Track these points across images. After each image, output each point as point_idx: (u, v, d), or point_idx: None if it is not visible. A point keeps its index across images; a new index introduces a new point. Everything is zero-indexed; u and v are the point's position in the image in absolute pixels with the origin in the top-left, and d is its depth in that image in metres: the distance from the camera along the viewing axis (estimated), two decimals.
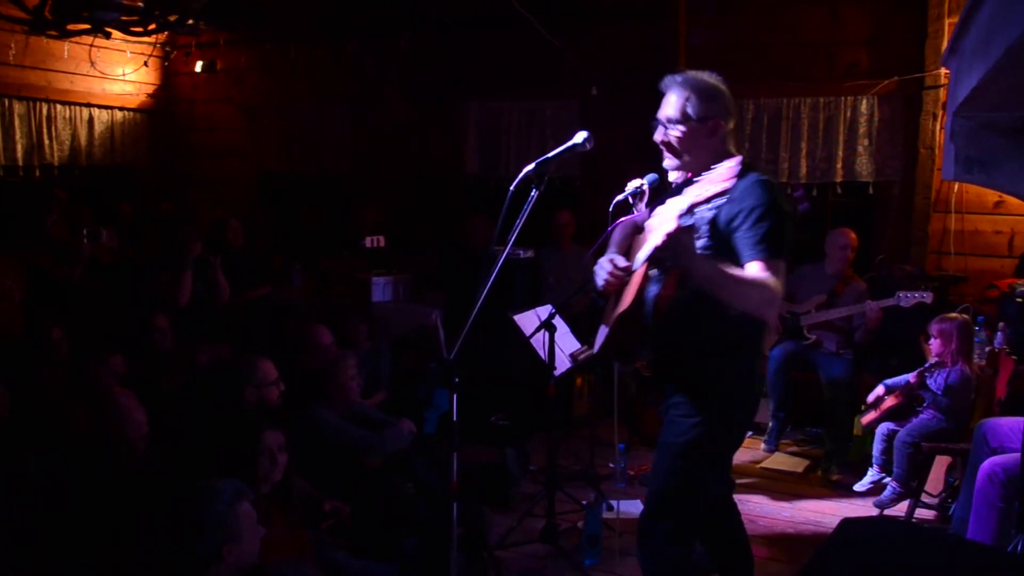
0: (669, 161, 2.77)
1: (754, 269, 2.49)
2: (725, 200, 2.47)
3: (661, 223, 2.42)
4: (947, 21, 5.66)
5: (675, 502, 2.78)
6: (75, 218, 6.35)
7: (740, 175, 2.50)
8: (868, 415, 4.95)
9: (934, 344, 4.71)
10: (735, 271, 2.49)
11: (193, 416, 3.55)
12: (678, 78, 2.71)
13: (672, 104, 2.70)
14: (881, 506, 4.71)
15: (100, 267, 5.86)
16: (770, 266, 2.48)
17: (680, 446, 2.74)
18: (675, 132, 2.69)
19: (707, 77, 2.71)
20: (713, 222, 2.57)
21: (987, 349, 5.00)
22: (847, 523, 2.85)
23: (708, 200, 2.34)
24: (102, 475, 3.00)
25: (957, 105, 3.00)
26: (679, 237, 2.40)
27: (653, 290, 2.72)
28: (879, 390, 4.93)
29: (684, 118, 2.67)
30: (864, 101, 6.05)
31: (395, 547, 3.52)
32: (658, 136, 2.74)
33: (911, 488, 4.58)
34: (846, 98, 6.09)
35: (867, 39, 6.07)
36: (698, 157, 2.71)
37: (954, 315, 4.78)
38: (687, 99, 2.67)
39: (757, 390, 2.86)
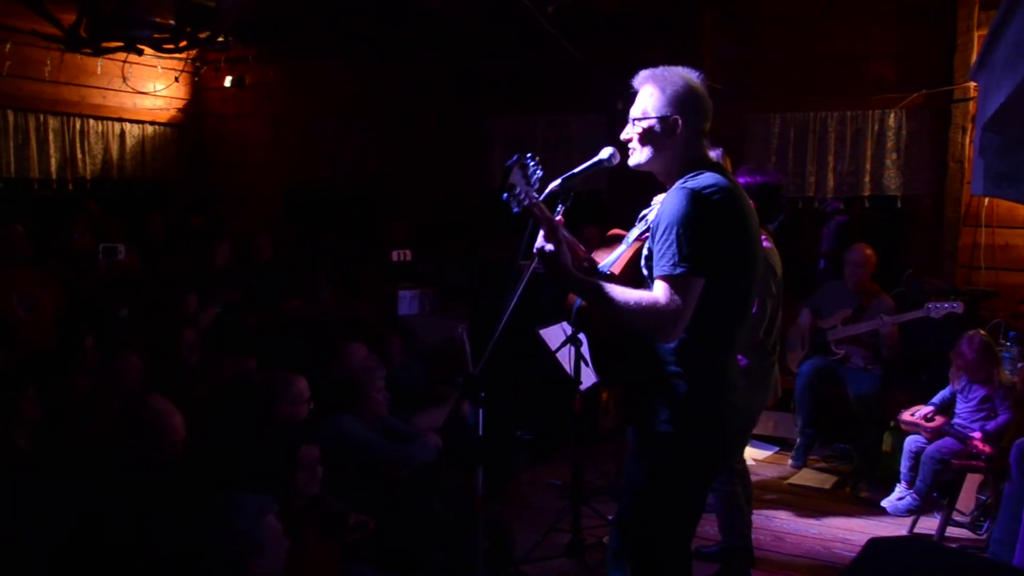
0: (633, 157, 2.55)
1: (656, 287, 2.31)
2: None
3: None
4: (976, 34, 5.60)
5: (653, 553, 2.59)
6: (105, 231, 6.44)
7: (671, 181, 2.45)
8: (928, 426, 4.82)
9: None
10: (617, 291, 2.34)
11: (227, 428, 3.58)
12: (647, 73, 2.51)
13: (638, 100, 2.52)
14: (896, 512, 4.72)
15: (121, 281, 5.94)
16: (672, 283, 2.27)
17: (639, 492, 2.59)
18: (636, 129, 2.50)
19: (679, 73, 2.49)
20: (650, 229, 2.44)
21: (1019, 365, 4.93)
22: (874, 543, 2.82)
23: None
24: (132, 483, 3.03)
25: (986, 120, 2.98)
26: (544, 255, 2.43)
27: (577, 302, 2.62)
28: (928, 410, 4.81)
29: (645, 114, 2.48)
30: (892, 114, 6.01)
31: (420, 561, 3.52)
32: (624, 134, 2.55)
33: (930, 501, 4.57)
34: (874, 112, 6.05)
35: (895, 52, 6.03)
36: (658, 157, 2.50)
37: (972, 332, 4.69)
38: (651, 94, 2.48)
39: (720, 417, 2.47)
